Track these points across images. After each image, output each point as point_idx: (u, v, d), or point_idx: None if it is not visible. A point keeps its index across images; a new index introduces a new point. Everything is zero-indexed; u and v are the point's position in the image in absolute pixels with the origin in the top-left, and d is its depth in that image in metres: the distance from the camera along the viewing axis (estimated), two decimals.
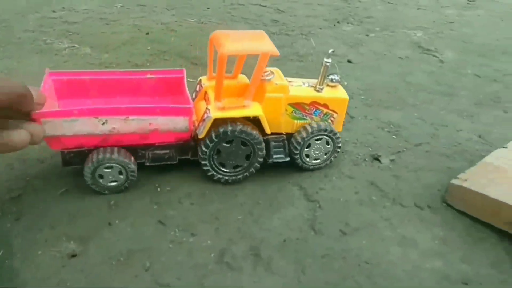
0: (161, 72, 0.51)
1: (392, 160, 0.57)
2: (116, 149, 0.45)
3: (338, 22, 1.07)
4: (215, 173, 0.49)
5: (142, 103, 0.49)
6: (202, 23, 1.00)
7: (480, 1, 1.30)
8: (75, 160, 0.45)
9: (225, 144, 0.47)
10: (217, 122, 0.46)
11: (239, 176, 0.50)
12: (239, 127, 0.46)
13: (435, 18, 1.13)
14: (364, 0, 1.24)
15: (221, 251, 0.41)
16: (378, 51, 0.91)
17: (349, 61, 0.85)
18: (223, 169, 0.49)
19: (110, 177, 0.45)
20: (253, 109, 0.47)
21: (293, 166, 0.53)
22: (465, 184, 0.48)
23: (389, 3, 1.24)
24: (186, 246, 0.42)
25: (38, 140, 0.35)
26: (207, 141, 0.46)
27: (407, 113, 0.68)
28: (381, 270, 0.41)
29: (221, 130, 0.46)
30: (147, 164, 0.47)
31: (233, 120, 0.46)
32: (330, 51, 0.49)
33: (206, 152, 0.47)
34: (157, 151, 0.47)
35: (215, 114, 0.45)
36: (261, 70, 0.45)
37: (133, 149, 0.46)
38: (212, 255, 0.41)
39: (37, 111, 0.38)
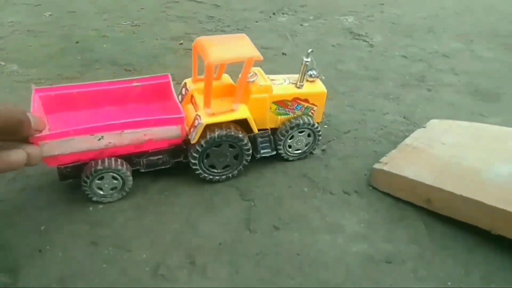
0: (146, 79, 0.53)
1: (323, 150, 0.60)
2: (107, 159, 0.47)
3: (273, 13, 1.08)
4: (206, 175, 0.52)
5: (130, 111, 0.52)
6: (136, 25, 0.98)
7: None
8: (71, 174, 0.47)
9: (214, 148, 0.50)
10: (205, 127, 0.49)
11: (229, 175, 0.53)
12: (225, 132, 0.49)
13: (366, 1, 1.17)
14: None
15: (156, 264, 0.42)
16: (312, 40, 0.94)
17: (283, 54, 0.87)
18: (213, 170, 0.52)
19: (106, 186, 0.48)
20: (241, 112, 0.50)
21: None
22: (385, 168, 0.51)
23: None
24: (120, 264, 0.42)
25: (36, 161, 0.37)
26: (197, 147, 0.49)
27: (338, 101, 0.71)
28: (311, 259, 0.44)
29: (209, 136, 0.49)
30: (142, 170, 0.50)
31: (221, 124, 0.49)
32: (309, 50, 0.52)
33: (196, 157, 0.50)
34: (151, 157, 0.50)
35: (206, 120, 0.48)
36: (246, 74, 0.49)
37: (127, 158, 0.49)
38: (147, 269, 0.42)
39: (34, 136, 0.40)
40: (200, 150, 0.49)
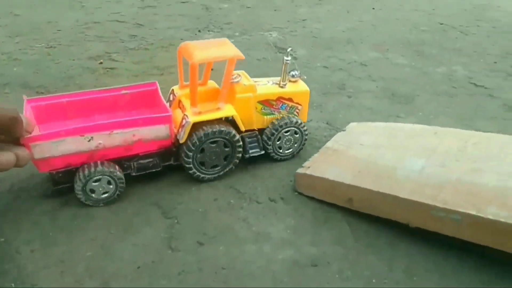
0: (134, 87, 0.54)
1: (248, 160, 0.59)
2: (99, 162, 0.47)
3: (199, 31, 1.08)
4: (199, 174, 0.53)
5: (120, 118, 0.50)
6: (51, 47, 0.93)
7: None
8: (64, 180, 0.47)
9: (211, 144, 0.51)
10: (196, 126, 0.50)
11: (217, 175, 0.54)
12: (218, 127, 0.50)
13: (289, 17, 1.21)
14: (224, 7, 1.28)
15: None
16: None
17: (212, 69, 0.87)
18: (203, 168, 0.53)
19: (101, 189, 0.48)
20: (227, 110, 0.51)
21: (153, 185, 0.52)
22: (308, 171, 0.51)
23: (247, 7, 1.30)
24: None
25: (24, 163, 0.37)
26: (190, 145, 0.50)
27: None
28: (237, 272, 0.42)
29: (203, 132, 0.49)
30: (133, 174, 0.50)
31: (211, 123, 0.50)
32: (288, 49, 0.54)
33: (190, 155, 0.51)
34: (141, 161, 0.50)
35: (193, 118, 0.49)
36: (230, 74, 0.50)
37: (118, 162, 0.49)
38: None
39: (25, 137, 0.40)
40: (193, 147, 0.50)
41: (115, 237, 0.45)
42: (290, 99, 0.55)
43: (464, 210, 0.40)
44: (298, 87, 0.56)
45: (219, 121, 0.51)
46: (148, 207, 0.50)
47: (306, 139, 0.58)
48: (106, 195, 0.48)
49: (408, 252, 0.44)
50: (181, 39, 1.02)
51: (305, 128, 0.57)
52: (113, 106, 0.54)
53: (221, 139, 0.51)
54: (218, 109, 0.51)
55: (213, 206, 0.50)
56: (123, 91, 0.54)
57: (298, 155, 0.60)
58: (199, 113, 0.50)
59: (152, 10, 1.22)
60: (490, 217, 0.39)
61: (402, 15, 1.24)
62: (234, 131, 0.51)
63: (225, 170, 0.54)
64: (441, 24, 1.16)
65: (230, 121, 0.52)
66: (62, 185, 0.48)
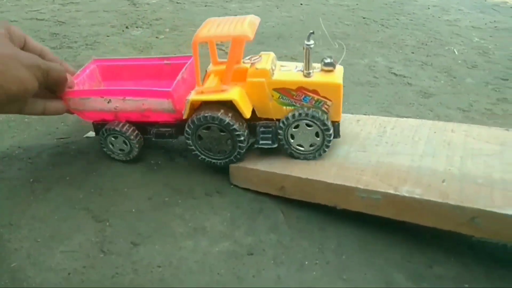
0: (174, 58, 0.59)
1: (185, 157, 0.59)
2: (122, 123, 0.53)
3: (126, 27, 1.05)
4: (204, 156, 0.52)
5: (162, 85, 0.54)
6: None
7: None
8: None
9: (204, 131, 0.50)
10: (199, 108, 0.49)
11: (227, 160, 0.52)
12: (211, 114, 0.48)
13: (220, 13, 1.21)
14: (153, 2, 1.25)
15: None
16: (169, 52, 0.93)
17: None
18: (209, 152, 0.52)
19: (117, 145, 0.55)
20: (229, 94, 0.48)
21: (82, 189, 0.50)
22: (241, 164, 0.53)
23: (177, 3, 1.28)
24: None
25: (62, 111, 0.53)
26: (186, 127, 0.50)
27: None
28: (173, 268, 0.42)
29: (195, 117, 0.49)
30: (153, 139, 0.55)
31: (212, 107, 0.48)
32: (310, 32, 0.46)
33: (188, 137, 0.51)
34: (161, 128, 0.54)
35: (192, 97, 0.48)
36: (234, 54, 0.47)
37: (142, 126, 0.54)
38: None
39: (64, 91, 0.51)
40: (189, 130, 0.50)
41: (42, 245, 0.43)
42: (315, 91, 0.47)
43: (383, 190, 0.44)
44: (328, 78, 0.47)
45: (224, 103, 0.48)
46: (77, 211, 0.48)
47: (328, 143, 0.49)
48: (122, 152, 0.55)
49: (337, 234, 0.47)
50: (107, 36, 0.98)
51: (328, 128, 0.48)
52: (159, 74, 0.59)
53: (214, 125, 0.49)
54: (222, 91, 0.48)
55: (147, 206, 0.50)
56: (165, 62, 0.59)
57: None
58: (201, 92, 0.48)
59: (74, 6, 1.16)
60: (406, 194, 0.43)
61: (327, 10, 1.29)
62: (229, 119, 0.48)
63: (235, 155, 0.51)
64: (363, 18, 1.23)
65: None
66: None
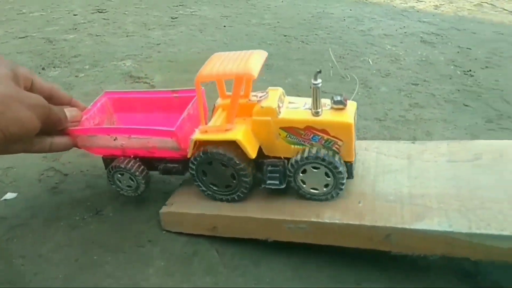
0: (183, 91, 0.59)
1: (114, 207, 0.57)
2: (128, 159, 0.54)
3: (43, 68, 1.00)
4: (210, 192, 0.51)
5: (171, 119, 0.53)
6: None
7: (181, 17, 1.46)
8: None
9: (207, 165, 0.49)
10: (201, 144, 0.48)
11: (234, 196, 0.50)
12: (213, 150, 0.47)
13: (143, 43, 1.20)
14: (70, 38, 1.21)
15: None
16: (91, 90, 0.90)
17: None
18: (215, 188, 0.51)
19: (125, 181, 0.55)
20: (233, 133, 0.46)
21: (3, 259, 0.47)
22: (172, 209, 0.52)
23: (97, 35, 1.25)
24: None
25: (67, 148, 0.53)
26: (189, 163, 0.49)
27: None
28: None
29: (197, 153, 0.48)
30: (160, 174, 0.54)
31: (215, 143, 0.47)
32: (317, 70, 0.44)
33: (193, 173, 0.50)
34: (168, 164, 0.53)
35: (196, 136, 0.47)
36: (237, 92, 0.45)
37: (149, 161, 0.54)
38: None
39: (69, 128, 0.52)
40: (192, 166, 0.49)
41: None
42: (324, 131, 0.45)
43: (307, 219, 0.46)
44: (337, 117, 0.45)
45: (229, 143, 0.46)
46: None
47: (342, 184, 0.46)
48: (130, 188, 0.55)
49: (271, 266, 0.49)
50: None
51: (338, 168, 0.45)
52: (168, 107, 0.59)
53: (216, 160, 0.48)
54: (226, 130, 0.47)
55: (75, 268, 0.48)
56: (174, 95, 0.59)
57: (164, 191, 0.60)
58: (205, 131, 0.47)
59: None
60: (327, 220, 0.45)
61: (250, 30, 1.33)
62: (230, 154, 0.46)
63: (240, 191, 0.50)
64: (285, 36, 1.28)
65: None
66: None
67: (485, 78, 0.95)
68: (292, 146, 0.47)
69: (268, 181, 0.48)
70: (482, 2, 1.62)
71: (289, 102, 0.48)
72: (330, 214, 0.46)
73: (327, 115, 0.45)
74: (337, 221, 0.45)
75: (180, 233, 0.53)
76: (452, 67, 1.03)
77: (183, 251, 0.51)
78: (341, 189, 0.47)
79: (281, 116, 0.46)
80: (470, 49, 1.14)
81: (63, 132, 0.52)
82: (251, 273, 0.48)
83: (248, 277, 0.47)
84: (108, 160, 0.55)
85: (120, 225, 0.54)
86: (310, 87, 0.45)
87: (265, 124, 0.46)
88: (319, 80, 0.44)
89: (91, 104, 0.58)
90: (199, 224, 0.51)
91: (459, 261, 0.47)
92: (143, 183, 0.54)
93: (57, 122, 0.50)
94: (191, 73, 1.02)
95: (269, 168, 0.48)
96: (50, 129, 0.50)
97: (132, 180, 0.54)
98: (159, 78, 0.98)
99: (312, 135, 0.46)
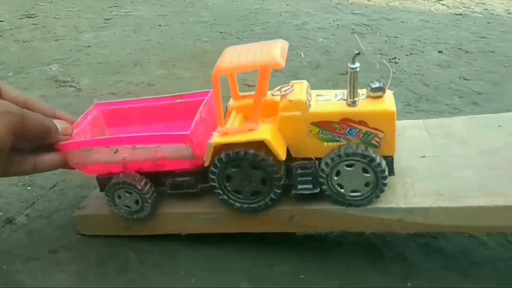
0: (189, 95, 0.52)
1: (27, 215, 0.56)
2: (128, 175, 0.47)
3: None
4: (232, 201, 0.45)
5: (174, 127, 0.50)
6: None
7: (115, 19, 1.43)
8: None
9: (233, 169, 0.43)
10: (223, 148, 0.42)
11: (261, 203, 0.44)
12: (240, 149, 0.41)
13: (72, 46, 1.17)
14: None
15: None
16: None
17: None
18: (239, 196, 0.45)
19: (127, 201, 0.47)
20: (260, 133, 0.41)
21: None
22: (84, 212, 0.52)
23: (23, 41, 1.20)
24: None
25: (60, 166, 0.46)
26: (212, 168, 0.43)
27: None
28: None
29: (224, 154, 0.42)
30: (168, 191, 0.47)
31: (238, 146, 0.41)
32: (355, 52, 0.39)
33: (214, 179, 0.44)
34: (177, 178, 0.47)
35: (215, 140, 0.42)
36: (262, 86, 0.40)
37: (155, 176, 0.47)
38: None
39: (59, 143, 0.45)
40: (215, 169, 0.43)
41: None
42: (362, 122, 0.40)
43: (217, 209, 0.47)
44: (376, 106, 0.40)
45: (254, 145, 0.41)
46: None
47: (385, 183, 0.41)
48: (136, 207, 0.48)
49: (188, 259, 0.49)
50: None
51: (380, 164, 0.41)
52: (170, 115, 0.53)
53: (245, 162, 0.42)
54: (250, 130, 0.41)
55: None
56: (178, 100, 0.53)
57: (82, 195, 0.59)
58: (225, 133, 0.42)
59: None
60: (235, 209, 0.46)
61: (186, 29, 1.33)
62: (263, 154, 0.41)
63: (270, 197, 0.44)
64: (221, 33, 1.29)
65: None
66: None
67: (408, 64, 1.00)
68: (325, 143, 0.42)
69: (299, 186, 0.43)
70: None
71: (317, 95, 0.44)
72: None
73: (365, 104, 0.41)
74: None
75: (96, 236, 0.52)
76: (378, 55, 1.08)
77: (98, 253, 0.50)
78: (383, 190, 0.42)
79: (312, 109, 0.41)
80: (397, 37, 1.20)
81: (49, 148, 0.45)
82: (170, 267, 0.48)
83: (166, 271, 0.48)
84: (104, 181, 0.48)
85: (33, 233, 0.53)
86: (346, 72, 0.40)
87: (294, 120, 0.41)
88: (357, 64, 0.39)
89: (80, 117, 0.51)
90: (113, 225, 0.51)
91: (367, 236, 0.50)
92: (148, 196, 0.47)
93: (45, 133, 0.42)
94: (121, 75, 1.00)
95: (299, 171, 0.42)
96: (35, 139, 0.42)
97: (138, 201, 0.47)
98: (87, 81, 0.96)
99: (348, 129, 0.41)
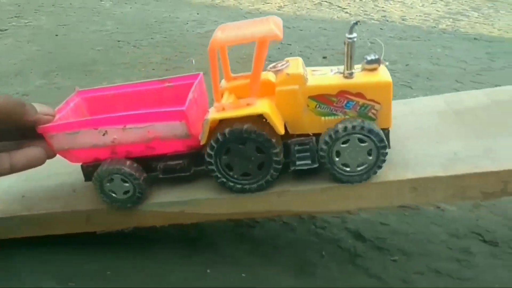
0: (178, 78, 0.51)
1: None
2: (108, 160, 0.45)
3: None
4: (225, 180, 0.44)
5: None
6: None
7: (12, 29, 1.42)
8: (93, 173, 0.46)
9: (240, 146, 0.43)
10: (222, 125, 0.42)
11: (253, 185, 0.44)
12: (245, 126, 0.41)
13: None
14: None
15: None
16: None
17: None
18: (230, 173, 0.44)
19: (120, 189, 0.45)
20: (257, 107, 0.41)
21: None
22: None
23: None
24: None
25: (51, 155, 0.44)
26: (212, 143, 0.42)
27: None
28: None
29: (228, 130, 0.41)
30: (160, 176, 0.46)
31: (241, 121, 0.41)
32: (353, 22, 0.39)
33: (211, 155, 0.43)
34: (169, 162, 0.46)
35: (212, 116, 0.41)
36: (260, 59, 0.40)
37: (146, 161, 0.46)
38: None
39: (40, 126, 0.43)
40: (216, 144, 0.42)
41: None
42: (359, 94, 0.41)
43: (19, 214, 0.49)
44: (373, 77, 0.41)
45: (252, 119, 0.41)
46: None
47: (384, 154, 0.42)
48: (128, 194, 0.45)
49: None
50: None
51: (382, 140, 0.41)
52: (158, 99, 0.51)
53: (251, 141, 0.42)
54: (247, 105, 0.41)
55: None
56: (167, 84, 0.51)
57: None
58: (223, 109, 0.41)
59: None
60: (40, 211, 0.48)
61: (84, 38, 1.34)
62: (266, 134, 0.41)
63: (259, 183, 0.44)
64: (118, 41, 1.31)
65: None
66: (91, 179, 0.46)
67: None
68: (323, 118, 0.43)
69: (298, 162, 0.43)
70: (322, 1, 1.81)
71: (313, 71, 0.44)
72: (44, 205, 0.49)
73: (362, 76, 0.42)
74: (43, 211, 0.48)
75: None
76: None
77: None
78: (378, 170, 0.42)
79: (309, 83, 0.42)
80: (290, 44, 1.28)
81: (27, 144, 0.43)
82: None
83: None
84: (90, 168, 0.46)
85: None
86: (344, 43, 0.41)
87: (292, 94, 0.41)
88: (354, 34, 0.40)
89: (62, 104, 0.48)
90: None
91: (186, 229, 0.54)
92: (135, 176, 0.45)
93: (16, 109, 0.39)
94: (4, 86, 1.00)
95: (297, 147, 0.43)
96: (11, 122, 0.40)
97: (125, 180, 0.45)
98: None
99: (346, 101, 0.42)
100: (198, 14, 1.63)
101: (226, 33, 0.41)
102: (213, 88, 0.42)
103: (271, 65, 0.45)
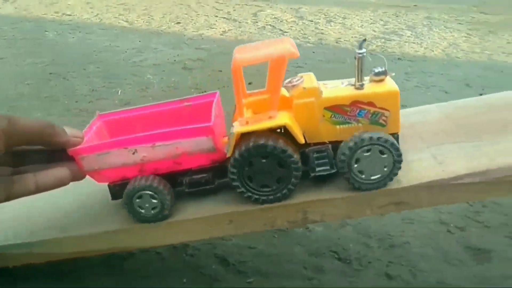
0: (196, 98, 0.53)
1: None
2: (138, 178, 0.47)
3: None
4: (250, 194, 0.47)
5: None
6: None
7: None
8: (121, 193, 0.48)
9: (262, 160, 0.46)
10: (245, 138, 0.45)
11: (271, 197, 0.47)
12: (269, 142, 0.44)
13: None
14: None
15: None
16: None
17: None
18: (250, 184, 0.47)
19: (147, 205, 0.47)
20: (279, 119, 0.45)
21: None
22: None
23: None
24: None
25: (79, 177, 0.46)
26: (236, 156, 0.45)
27: None
28: None
29: (252, 144, 0.44)
30: (186, 190, 0.49)
31: (263, 134, 0.45)
32: (362, 39, 0.45)
33: (236, 166, 0.46)
34: (194, 176, 0.48)
35: (238, 129, 0.45)
36: (279, 76, 0.44)
37: (172, 177, 0.48)
38: None
39: (72, 149, 0.45)
40: (240, 157, 0.45)
41: None
42: (370, 103, 0.46)
43: None
44: (382, 87, 0.47)
45: (273, 132, 0.45)
46: None
47: (399, 161, 0.46)
48: (155, 210, 0.48)
49: None
50: None
51: (394, 145, 0.46)
52: (178, 119, 0.53)
53: (273, 155, 0.45)
54: (270, 118, 0.45)
55: None
56: (185, 103, 0.54)
57: None
58: (246, 123, 0.45)
59: None
60: None
61: (17, 71, 1.37)
62: (290, 150, 0.45)
63: (277, 195, 0.47)
64: (50, 73, 1.35)
65: (289, 135, 0.46)
66: (119, 198, 0.48)
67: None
68: (338, 126, 0.47)
69: (318, 168, 0.47)
70: (266, 24, 1.89)
71: (324, 84, 0.49)
72: None
73: (371, 87, 0.47)
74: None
75: None
76: (193, 90, 1.20)
77: None
78: (392, 179, 0.47)
79: (324, 95, 0.47)
80: (221, 71, 1.34)
81: (53, 164, 0.45)
82: None
83: None
84: (117, 188, 0.49)
85: None
86: (355, 58, 0.46)
87: (309, 106, 0.46)
88: (363, 50, 0.46)
89: (87, 127, 0.51)
90: None
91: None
92: (163, 192, 0.47)
93: (46, 131, 0.42)
94: None
95: (315, 155, 0.47)
96: (40, 144, 0.43)
97: (154, 197, 0.47)
98: None
99: (358, 110, 0.47)
100: (140, 41, 1.68)
101: (245, 54, 0.45)
102: (236, 104, 0.46)
103: (287, 81, 0.49)
